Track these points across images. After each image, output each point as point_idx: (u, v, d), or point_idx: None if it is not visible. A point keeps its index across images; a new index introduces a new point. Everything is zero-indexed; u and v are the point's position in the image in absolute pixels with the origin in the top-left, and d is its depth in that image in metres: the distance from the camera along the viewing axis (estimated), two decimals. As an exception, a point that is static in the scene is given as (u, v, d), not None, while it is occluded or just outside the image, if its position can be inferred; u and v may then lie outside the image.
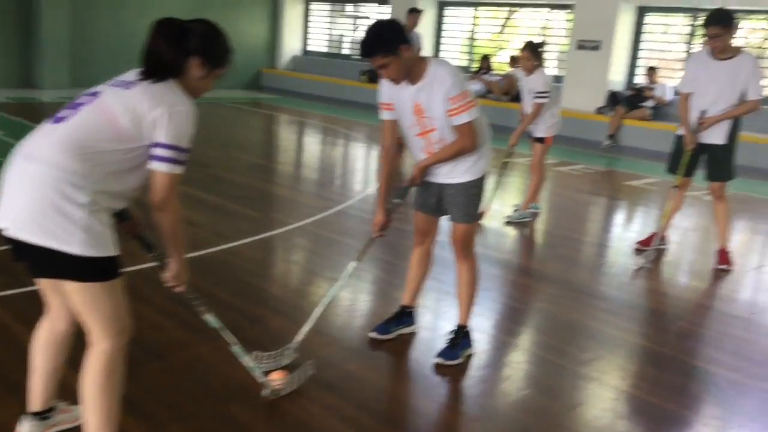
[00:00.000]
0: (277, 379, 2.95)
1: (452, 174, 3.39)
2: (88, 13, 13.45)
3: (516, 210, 6.40)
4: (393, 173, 3.51)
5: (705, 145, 5.23)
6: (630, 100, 11.09)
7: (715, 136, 5.17)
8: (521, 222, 6.26)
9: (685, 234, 6.40)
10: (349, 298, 4.19)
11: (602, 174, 9.34)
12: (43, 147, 2.15)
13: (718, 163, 5.25)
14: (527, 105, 6.27)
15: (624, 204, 7.93)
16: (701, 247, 5.94)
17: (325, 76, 15.45)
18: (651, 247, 5.41)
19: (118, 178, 2.22)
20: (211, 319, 2.74)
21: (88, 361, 2.26)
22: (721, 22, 4.90)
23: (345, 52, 16.48)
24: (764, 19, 10.58)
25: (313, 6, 17.02)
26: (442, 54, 14.45)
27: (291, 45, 16.96)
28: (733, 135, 5.18)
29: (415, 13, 9.41)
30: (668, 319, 4.42)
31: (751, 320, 4.33)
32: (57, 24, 12.88)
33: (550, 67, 13.09)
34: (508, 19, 14.63)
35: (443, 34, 14.44)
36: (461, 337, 3.51)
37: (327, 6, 16.82)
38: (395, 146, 3.48)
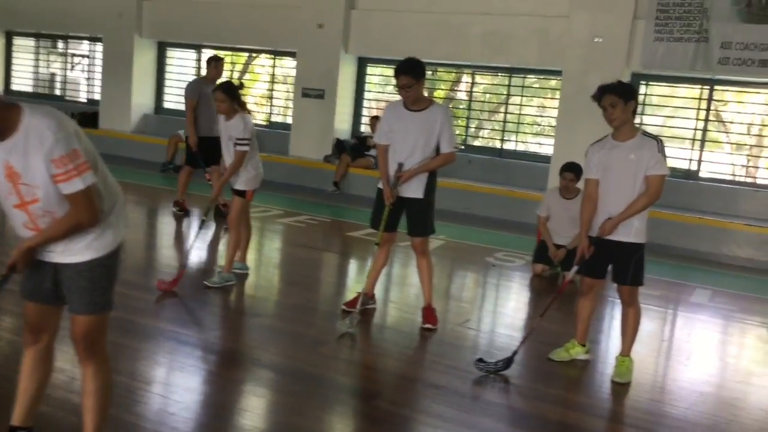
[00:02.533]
0: None
1: (69, 251, 2.59)
2: None
3: (219, 272, 5.69)
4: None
5: (404, 199, 5.00)
6: (355, 148, 11.07)
7: (413, 190, 4.96)
8: (224, 286, 5.55)
9: (395, 291, 6.19)
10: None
11: (326, 225, 9.02)
12: None
13: (418, 218, 5.04)
14: (227, 153, 5.65)
15: (342, 258, 7.62)
16: (411, 304, 5.69)
17: (29, 119, 13.57)
18: (357, 309, 5.01)
19: None
20: None
21: None
22: (410, 72, 4.71)
23: (57, 92, 14.80)
24: (470, 72, 11.24)
25: (17, 41, 15.03)
26: (165, 97, 13.46)
27: (-13, 83, 14.78)
28: (430, 188, 5.01)
29: (216, 62, 8.32)
30: (370, 398, 3.97)
31: (449, 390, 4.03)
32: None
33: (282, 114, 12.77)
34: (247, 64, 14.08)
35: (166, 76, 13.47)
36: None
37: (32, 41, 14.93)
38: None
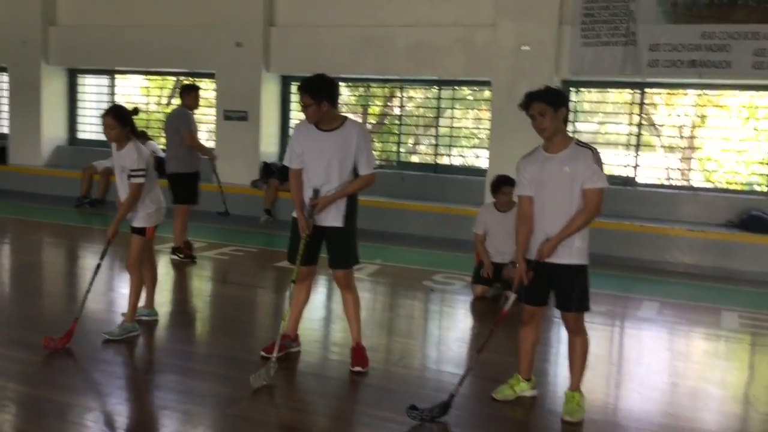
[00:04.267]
0: None
1: None
2: None
3: (121, 323, 5.02)
4: None
5: (323, 229, 4.48)
6: (282, 171, 10.47)
7: (332, 218, 4.46)
8: (126, 338, 4.90)
9: (323, 328, 5.64)
10: None
11: (254, 255, 8.41)
12: None
13: (339, 249, 4.52)
14: (121, 186, 5.02)
15: (269, 294, 6.98)
16: (340, 344, 5.12)
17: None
18: (275, 355, 4.42)
19: None
20: None
21: None
22: (309, 91, 4.23)
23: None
24: (399, 87, 10.83)
25: None
26: (79, 126, 12.62)
27: None
28: (350, 215, 4.51)
29: (196, 90, 7.59)
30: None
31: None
32: None
33: (211, 140, 12.04)
34: (175, 89, 13.31)
35: (79, 104, 12.64)
36: None
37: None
38: None
